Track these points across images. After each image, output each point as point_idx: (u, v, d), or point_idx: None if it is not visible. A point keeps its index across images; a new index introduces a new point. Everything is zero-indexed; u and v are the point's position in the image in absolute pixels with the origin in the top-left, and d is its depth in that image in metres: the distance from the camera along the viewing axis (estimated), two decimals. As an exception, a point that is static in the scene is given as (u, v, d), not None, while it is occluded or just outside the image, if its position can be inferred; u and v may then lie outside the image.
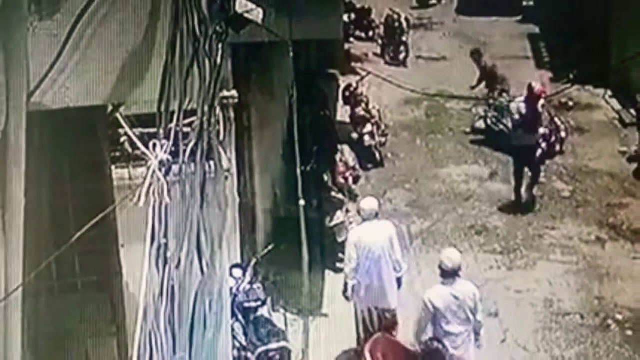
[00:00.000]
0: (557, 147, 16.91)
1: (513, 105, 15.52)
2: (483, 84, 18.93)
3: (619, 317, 12.18)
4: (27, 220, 4.87)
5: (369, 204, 11.13)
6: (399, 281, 11.13)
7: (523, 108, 15.00)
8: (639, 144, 16.38)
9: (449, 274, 9.89)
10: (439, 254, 13.62)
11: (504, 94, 17.97)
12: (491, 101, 18.06)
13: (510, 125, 17.27)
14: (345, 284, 10.92)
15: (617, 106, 18.69)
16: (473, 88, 18.89)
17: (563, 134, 17.07)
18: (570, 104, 19.05)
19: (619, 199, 15.37)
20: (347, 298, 10.97)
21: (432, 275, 13.11)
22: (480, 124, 17.92)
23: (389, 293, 10.96)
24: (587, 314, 12.30)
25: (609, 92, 19.14)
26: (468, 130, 18.11)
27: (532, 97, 15.06)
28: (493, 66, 18.53)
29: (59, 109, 5.25)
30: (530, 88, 15.23)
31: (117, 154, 7.09)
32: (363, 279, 10.82)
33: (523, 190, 15.19)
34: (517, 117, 15.12)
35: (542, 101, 15.23)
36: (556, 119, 17.28)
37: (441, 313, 9.83)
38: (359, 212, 11.21)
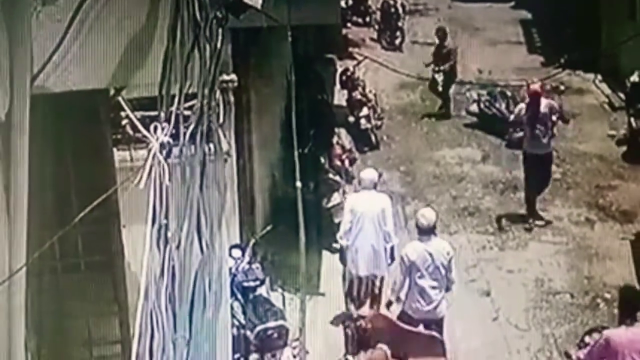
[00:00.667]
0: (549, 130, 16.89)
1: (516, 111, 14.63)
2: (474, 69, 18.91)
3: (608, 296, 12.19)
4: (31, 201, 4.85)
5: (368, 173, 11.57)
6: (391, 253, 11.20)
7: (523, 110, 14.07)
8: (627, 127, 16.36)
9: (424, 231, 10.20)
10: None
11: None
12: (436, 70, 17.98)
13: (503, 108, 17.34)
14: (341, 248, 11.26)
15: (607, 90, 18.69)
16: (427, 65, 18.62)
17: (553, 118, 17.02)
18: (561, 88, 19.04)
19: (608, 181, 15.37)
20: (343, 263, 11.12)
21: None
22: (474, 108, 17.90)
23: (378, 260, 11.16)
24: (576, 293, 12.32)
25: (599, 77, 19.14)
26: (462, 113, 18.09)
27: (532, 100, 13.99)
28: (453, 49, 18.29)
29: (62, 92, 5.22)
30: (528, 90, 14.32)
31: (119, 136, 7.05)
32: (353, 243, 11.13)
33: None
34: (518, 115, 14.31)
35: (544, 102, 14.03)
36: (547, 103, 17.27)
37: (416, 267, 10.12)
38: (359, 182, 11.72)
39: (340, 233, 11.38)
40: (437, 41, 18.50)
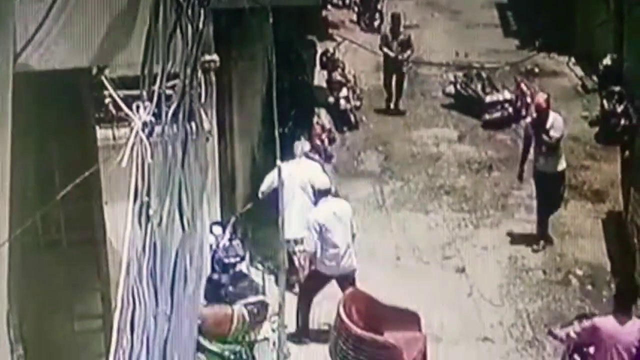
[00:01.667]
0: (523, 112, 16.91)
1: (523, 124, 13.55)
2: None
3: (580, 272, 12.24)
4: (14, 178, 4.80)
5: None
6: None
7: (530, 129, 12.84)
8: (600, 109, 16.38)
9: (322, 194, 10.73)
10: (410, 212, 13.81)
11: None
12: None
13: (479, 90, 17.34)
14: None
15: (580, 73, 18.69)
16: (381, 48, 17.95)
17: (528, 99, 17.04)
18: (536, 70, 19.05)
19: (580, 161, 15.41)
20: None
21: (403, 233, 13.23)
22: (450, 89, 17.88)
23: None
24: (549, 270, 12.36)
25: (573, 60, 19.13)
26: (439, 94, 18.07)
27: (539, 113, 12.70)
28: (407, 36, 17.72)
29: (45, 70, 5.17)
30: (537, 107, 12.91)
31: (102, 115, 6.99)
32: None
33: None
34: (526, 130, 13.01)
35: (552, 115, 12.74)
36: (522, 85, 17.30)
37: (325, 228, 10.41)
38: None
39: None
40: (390, 25, 17.99)
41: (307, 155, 12.08)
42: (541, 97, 13.03)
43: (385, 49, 17.38)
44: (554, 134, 12.50)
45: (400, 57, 17.30)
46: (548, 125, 12.50)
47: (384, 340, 9.00)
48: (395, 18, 17.81)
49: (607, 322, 8.44)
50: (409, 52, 17.44)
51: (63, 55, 5.15)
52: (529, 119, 13.25)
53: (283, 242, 9.02)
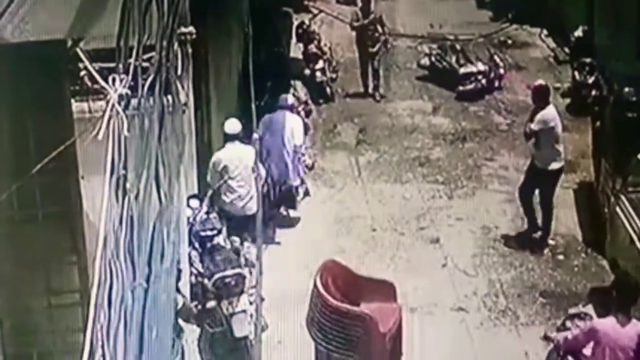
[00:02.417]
0: (496, 83, 16.93)
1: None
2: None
3: (552, 242, 12.26)
4: (-12, 152, 4.69)
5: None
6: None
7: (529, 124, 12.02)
8: (571, 80, 16.38)
9: (231, 138, 11.18)
10: (385, 184, 13.78)
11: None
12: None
13: (453, 62, 17.28)
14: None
15: (552, 44, 18.71)
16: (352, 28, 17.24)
17: (501, 71, 17.07)
18: (509, 42, 19.03)
19: (553, 132, 15.39)
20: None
21: (379, 205, 13.20)
22: (425, 61, 17.81)
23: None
24: (522, 240, 12.36)
25: (545, 31, 19.13)
26: (414, 67, 18.00)
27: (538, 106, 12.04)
28: (379, 16, 17.12)
29: (19, 42, 5.05)
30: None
31: (77, 87, 6.87)
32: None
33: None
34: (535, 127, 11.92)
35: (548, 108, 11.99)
36: (495, 57, 17.29)
37: (226, 168, 11.03)
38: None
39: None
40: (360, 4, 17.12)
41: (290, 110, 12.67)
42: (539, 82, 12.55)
43: (356, 25, 16.62)
44: (533, 126, 11.91)
45: (372, 35, 16.48)
46: (537, 116, 11.87)
47: (360, 311, 8.96)
48: None
49: (606, 324, 8.19)
50: (380, 30, 16.61)
51: (37, 27, 5.05)
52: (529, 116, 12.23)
53: (259, 214, 8.96)
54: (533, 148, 12.13)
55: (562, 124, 12.50)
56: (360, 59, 16.91)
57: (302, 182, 12.87)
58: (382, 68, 16.93)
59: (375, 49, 16.62)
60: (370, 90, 16.79)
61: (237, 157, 11.06)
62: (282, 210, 12.65)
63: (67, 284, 6.42)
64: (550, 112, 11.99)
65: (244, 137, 11.05)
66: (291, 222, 12.61)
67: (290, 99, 12.98)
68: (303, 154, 12.86)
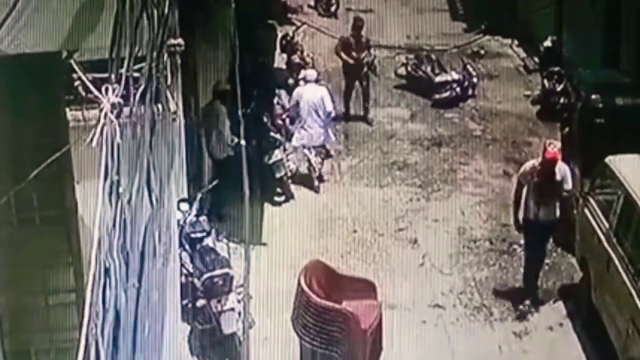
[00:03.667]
0: (470, 91, 16.98)
1: (522, 169, 11.02)
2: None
3: (523, 242, 12.28)
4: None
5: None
6: None
7: (528, 173, 10.76)
8: (541, 88, 16.48)
9: (306, 82, 13.68)
10: (366, 187, 13.80)
11: None
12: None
13: (429, 71, 17.34)
14: None
15: (523, 54, 18.79)
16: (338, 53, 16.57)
17: (475, 80, 17.12)
18: (482, 52, 19.09)
19: (523, 137, 15.50)
20: None
21: (360, 207, 13.22)
22: (402, 71, 17.84)
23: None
24: (495, 240, 12.40)
25: (516, 42, 19.22)
26: (392, 76, 18.04)
27: (546, 162, 10.52)
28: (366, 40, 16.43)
29: (16, 54, 5.05)
30: (544, 152, 10.62)
31: (72, 97, 6.85)
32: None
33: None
34: (524, 175, 10.80)
35: (559, 164, 10.59)
36: (469, 66, 17.34)
37: (302, 108, 13.21)
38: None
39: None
40: (351, 30, 16.25)
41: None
42: (554, 148, 10.65)
43: (344, 55, 15.95)
44: (567, 186, 10.67)
45: (360, 61, 15.86)
46: (559, 177, 10.55)
47: (342, 308, 8.97)
48: (358, 20, 16.36)
49: None
50: (366, 53, 15.98)
51: (34, 40, 5.05)
52: (527, 168, 10.80)
53: (247, 217, 8.96)
54: (549, 204, 10.69)
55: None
56: (347, 84, 16.18)
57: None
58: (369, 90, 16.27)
59: (363, 73, 16.00)
60: (362, 112, 16.08)
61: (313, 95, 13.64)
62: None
63: (63, 283, 6.40)
64: (566, 167, 10.83)
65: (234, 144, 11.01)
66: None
67: (314, 74, 14.27)
68: (334, 119, 14.43)
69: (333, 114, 14.09)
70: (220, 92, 12.02)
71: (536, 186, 10.60)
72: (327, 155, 14.25)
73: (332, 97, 14.38)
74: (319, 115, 13.58)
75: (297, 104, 13.71)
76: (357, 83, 16.15)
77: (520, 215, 10.91)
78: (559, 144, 11.10)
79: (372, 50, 16.34)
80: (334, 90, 17.16)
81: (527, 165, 10.91)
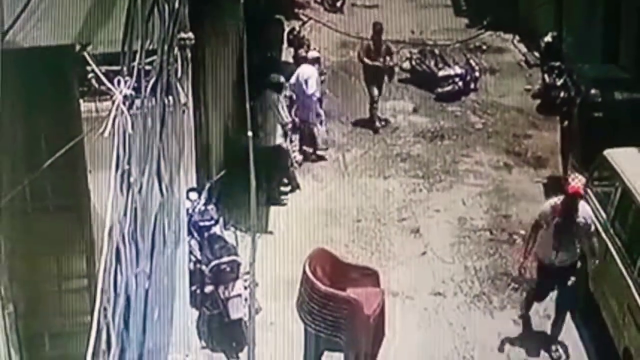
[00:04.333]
0: (472, 85, 16.97)
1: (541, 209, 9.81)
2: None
3: (523, 232, 12.27)
4: (3, 148, 4.71)
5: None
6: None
7: (549, 212, 9.56)
8: (541, 82, 16.45)
9: (310, 62, 14.09)
10: (370, 178, 13.82)
11: None
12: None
13: (432, 65, 17.32)
14: None
15: (524, 49, 18.77)
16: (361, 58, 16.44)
17: (477, 74, 17.11)
18: (484, 47, 19.08)
19: (524, 130, 15.49)
20: None
21: (364, 197, 13.23)
22: (406, 65, 17.84)
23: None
24: (495, 230, 12.41)
25: (517, 37, 19.19)
26: (396, 70, 18.01)
27: (569, 197, 9.39)
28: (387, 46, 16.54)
29: (31, 47, 5.07)
30: (567, 185, 9.54)
31: (85, 89, 6.87)
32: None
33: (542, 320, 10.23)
34: (543, 216, 9.61)
35: (582, 203, 9.51)
36: (471, 61, 17.33)
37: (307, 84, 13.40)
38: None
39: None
40: (372, 36, 15.73)
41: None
42: (579, 183, 9.48)
43: (368, 60, 15.41)
44: (590, 222, 9.58)
45: (383, 65, 15.44)
46: (581, 218, 9.46)
47: (346, 295, 8.99)
48: (377, 25, 15.87)
49: None
50: (388, 59, 15.56)
51: (48, 33, 5.06)
52: (548, 207, 9.61)
53: (254, 206, 8.97)
54: (570, 246, 9.57)
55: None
56: (370, 92, 15.60)
57: (322, 123, 14.37)
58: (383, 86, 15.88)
59: (383, 76, 15.65)
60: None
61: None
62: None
63: (76, 270, 6.43)
64: (584, 204, 9.77)
65: (241, 136, 11.02)
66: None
67: (314, 54, 14.67)
68: (319, 100, 14.30)
69: (315, 97, 14.11)
70: (274, 83, 12.90)
71: (556, 228, 9.40)
72: (313, 141, 14.22)
73: (322, 81, 14.71)
74: (303, 93, 13.84)
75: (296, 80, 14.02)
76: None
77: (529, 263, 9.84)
78: (583, 179, 9.75)
79: (393, 55, 15.82)
80: (338, 83, 17.23)
81: (547, 204, 9.70)
